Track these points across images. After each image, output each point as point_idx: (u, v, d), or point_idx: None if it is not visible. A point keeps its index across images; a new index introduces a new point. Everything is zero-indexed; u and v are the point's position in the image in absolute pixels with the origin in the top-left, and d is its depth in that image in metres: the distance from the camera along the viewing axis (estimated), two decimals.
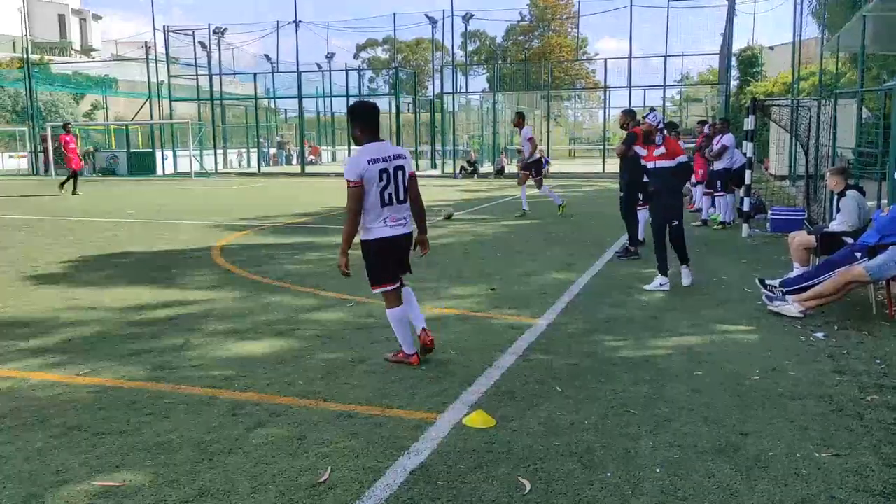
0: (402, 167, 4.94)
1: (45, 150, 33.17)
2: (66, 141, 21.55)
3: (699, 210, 14.16)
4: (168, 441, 3.89)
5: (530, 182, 14.81)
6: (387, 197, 4.87)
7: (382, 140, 4.98)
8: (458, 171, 30.82)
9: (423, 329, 5.21)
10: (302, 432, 3.99)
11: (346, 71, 37.44)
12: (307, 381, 4.83)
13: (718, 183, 12.91)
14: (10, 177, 32.36)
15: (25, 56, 39.34)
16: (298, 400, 4.49)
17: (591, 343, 5.73)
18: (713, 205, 13.29)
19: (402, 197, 4.96)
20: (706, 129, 14.46)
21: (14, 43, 69.45)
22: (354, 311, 6.64)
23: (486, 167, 32.44)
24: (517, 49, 61.74)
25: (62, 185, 21.02)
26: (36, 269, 9.02)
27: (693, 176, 15.29)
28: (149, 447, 3.81)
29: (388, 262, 5.03)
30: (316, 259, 9.71)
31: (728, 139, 12.75)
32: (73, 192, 20.60)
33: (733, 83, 32.11)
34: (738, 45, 33.50)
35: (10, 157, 40.01)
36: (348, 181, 4.80)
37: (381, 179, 4.82)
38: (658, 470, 3.52)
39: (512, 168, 30.32)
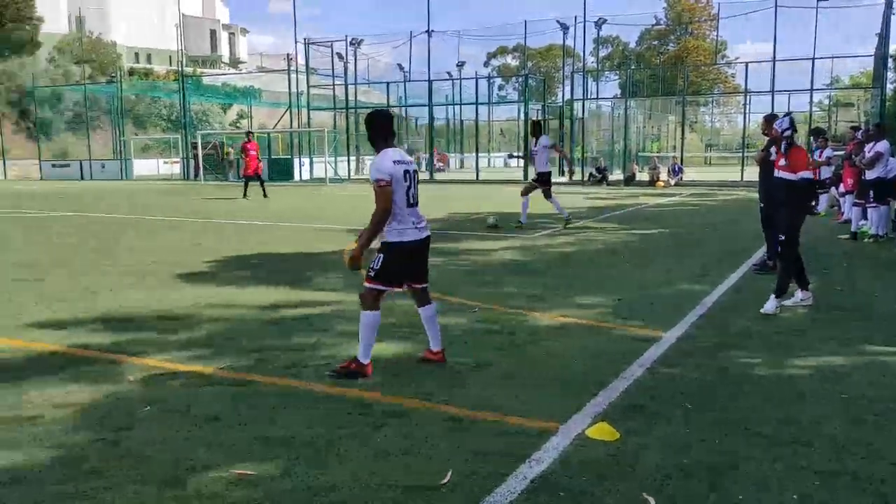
0: (416, 171, 5.09)
1: (196, 157, 35.57)
2: (248, 148, 22.52)
3: (848, 221, 13.27)
4: (297, 435, 4.05)
5: (536, 192, 13.62)
6: (411, 198, 4.96)
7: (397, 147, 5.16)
8: (587, 177, 30.41)
9: (441, 350, 5.33)
10: (423, 434, 4.05)
11: (476, 79, 37.88)
12: (429, 384, 4.90)
13: (871, 193, 12.03)
14: (166, 181, 34.91)
15: (180, 69, 42.49)
16: (421, 402, 4.56)
17: (723, 358, 5.48)
18: (864, 217, 12.39)
19: (418, 200, 5.07)
20: (859, 135, 13.57)
21: (171, 57, 75.09)
22: (478, 318, 6.68)
23: (616, 174, 31.80)
24: (651, 53, 60.24)
25: (263, 190, 22.12)
26: (185, 268, 9.66)
27: (842, 185, 14.41)
28: (280, 440, 3.99)
29: (403, 267, 5.07)
30: (442, 264, 9.82)
31: (882, 146, 11.86)
32: (244, 196, 21.84)
33: (889, 86, 29.84)
34: (895, 46, 31.03)
35: (165, 163, 43.30)
36: (378, 181, 4.83)
37: (405, 180, 4.92)
38: (795, 496, 3.32)
39: (643, 176, 29.55)
